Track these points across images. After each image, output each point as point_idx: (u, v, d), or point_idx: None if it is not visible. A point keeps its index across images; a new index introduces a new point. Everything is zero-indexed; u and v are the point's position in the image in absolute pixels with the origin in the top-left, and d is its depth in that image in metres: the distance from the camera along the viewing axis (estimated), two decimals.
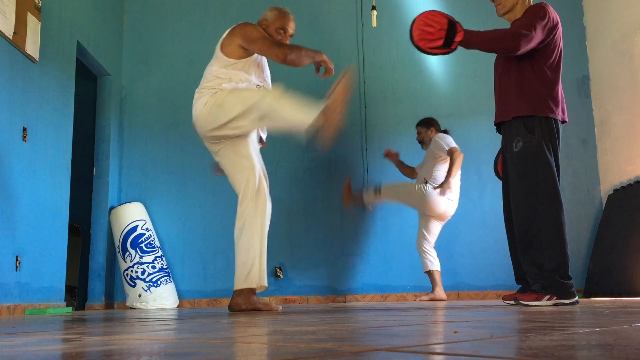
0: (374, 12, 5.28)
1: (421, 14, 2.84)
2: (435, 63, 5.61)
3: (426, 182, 4.63)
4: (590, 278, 5.04)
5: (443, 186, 4.51)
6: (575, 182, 5.42)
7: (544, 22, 2.85)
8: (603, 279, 4.87)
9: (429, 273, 4.69)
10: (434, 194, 4.57)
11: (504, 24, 3.21)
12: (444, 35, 2.77)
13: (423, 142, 4.86)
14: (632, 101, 5.13)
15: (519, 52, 2.83)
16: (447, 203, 4.61)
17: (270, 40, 3.01)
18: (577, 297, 2.81)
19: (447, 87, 5.59)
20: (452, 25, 2.79)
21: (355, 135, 5.45)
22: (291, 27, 3.21)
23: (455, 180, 4.67)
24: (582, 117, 5.59)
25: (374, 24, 5.27)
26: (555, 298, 2.74)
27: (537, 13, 2.87)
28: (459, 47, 2.85)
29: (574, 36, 5.66)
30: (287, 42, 3.17)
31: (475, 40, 2.82)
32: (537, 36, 2.82)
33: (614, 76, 5.38)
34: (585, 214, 5.42)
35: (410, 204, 4.74)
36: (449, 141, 4.64)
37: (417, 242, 4.75)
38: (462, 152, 4.63)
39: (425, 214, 4.67)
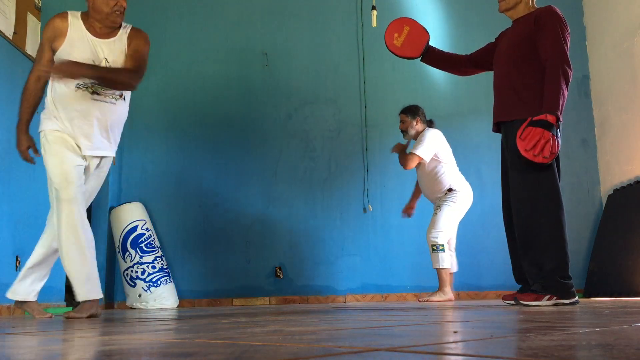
0: (374, 12, 5.28)
1: (526, 154, 2.74)
2: None
3: (450, 191, 4.45)
4: (590, 278, 5.04)
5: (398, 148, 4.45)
6: (575, 182, 5.42)
7: (567, 35, 2.87)
8: (603, 279, 4.88)
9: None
10: (458, 192, 4.44)
11: (505, 20, 3.20)
12: (542, 132, 2.71)
13: (406, 132, 4.62)
14: (632, 101, 5.13)
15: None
16: (467, 188, 4.52)
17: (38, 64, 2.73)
18: (577, 297, 2.81)
19: (447, 87, 5.59)
20: (538, 123, 2.73)
21: (355, 135, 5.46)
22: None
23: (451, 168, 4.53)
24: (582, 117, 5.59)
25: (374, 24, 5.27)
26: (555, 298, 2.74)
27: (561, 29, 2.85)
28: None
29: (574, 36, 5.63)
30: (123, 4, 2.71)
31: (556, 105, 2.75)
32: (567, 51, 2.85)
33: (614, 76, 5.38)
34: (585, 214, 5.42)
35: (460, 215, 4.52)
36: (424, 150, 4.43)
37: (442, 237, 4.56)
38: (426, 161, 4.47)
39: (445, 205, 4.44)
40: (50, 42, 2.70)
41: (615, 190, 5.25)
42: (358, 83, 5.53)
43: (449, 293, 4.39)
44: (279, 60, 5.55)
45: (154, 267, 4.75)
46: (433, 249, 4.37)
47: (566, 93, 2.80)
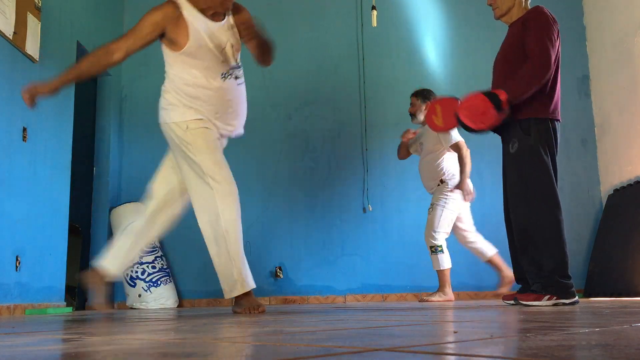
0: (374, 12, 5.28)
1: (460, 110, 2.84)
2: (435, 63, 5.61)
3: (442, 182, 4.37)
4: (590, 278, 5.04)
5: (462, 187, 4.28)
6: (575, 182, 5.42)
7: (553, 33, 2.87)
8: (603, 279, 4.88)
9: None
10: (451, 187, 4.35)
11: (501, 26, 3.21)
12: (490, 104, 2.77)
13: (414, 115, 4.56)
14: (632, 101, 5.13)
15: (548, 77, 2.85)
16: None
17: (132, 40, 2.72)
18: (577, 297, 2.81)
19: (447, 87, 5.58)
20: (488, 94, 2.80)
21: (355, 135, 5.45)
22: None
23: (454, 160, 4.43)
24: (582, 117, 5.59)
25: (374, 24, 5.27)
26: (555, 298, 2.74)
27: (544, 27, 2.86)
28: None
29: (574, 36, 5.65)
30: (229, 5, 2.72)
31: (516, 91, 2.80)
32: (553, 50, 2.85)
33: (614, 76, 5.38)
34: (585, 214, 5.42)
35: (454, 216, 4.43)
36: (455, 133, 4.34)
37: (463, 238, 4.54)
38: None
39: (439, 204, 4.37)
40: None
41: (615, 190, 5.25)
42: (358, 83, 5.53)
43: (449, 293, 4.38)
44: (279, 60, 5.53)
45: (154, 267, 4.75)
46: (432, 251, 4.36)
47: (533, 89, 2.82)
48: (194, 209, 2.79)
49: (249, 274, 2.72)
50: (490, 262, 4.53)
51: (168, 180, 2.92)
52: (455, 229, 4.53)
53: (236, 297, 2.72)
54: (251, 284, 2.71)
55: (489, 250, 4.51)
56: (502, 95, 2.77)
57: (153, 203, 2.90)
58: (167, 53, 2.76)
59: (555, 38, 2.89)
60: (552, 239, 2.79)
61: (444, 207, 4.38)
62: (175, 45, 2.69)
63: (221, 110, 2.77)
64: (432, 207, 4.43)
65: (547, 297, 2.74)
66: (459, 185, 4.34)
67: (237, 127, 2.90)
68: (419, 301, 4.60)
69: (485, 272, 5.17)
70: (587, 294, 4.99)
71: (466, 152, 4.35)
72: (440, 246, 4.35)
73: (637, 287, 4.47)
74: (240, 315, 2.52)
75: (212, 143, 2.76)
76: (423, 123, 4.49)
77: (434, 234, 4.35)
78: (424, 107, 4.49)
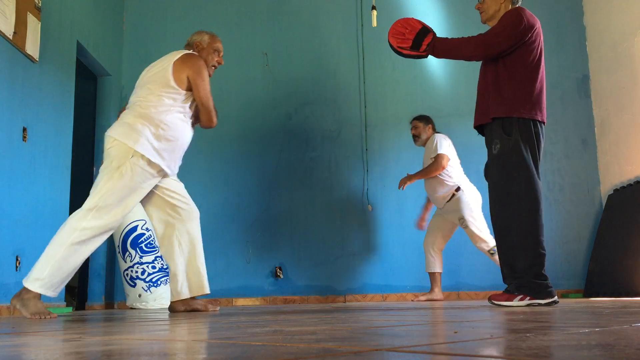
0: (374, 12, 5.28)
1: (402, 18, 3.04)
2: (435, 64, 5.61)
3: (458, 190, 4.51)
4: (590, 278, 5.04)
5: (408, 177, 4.56)
6: (575, 182, 5.42)
7: (513, 28, 2.87)
8: (603, 279, 4.88)
9: (433, 274, 4.68)
10: (464, 195, 4.49)
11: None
12: (413, 37, 2.93)
13: (418, 137, 4.74)
14: (632, 101, 5.13)
15: (481, 59, 2.98)
16: (472, 188, 4.58)
17: (211, 99, 3.08)
18: (555, 297, 2.79)
19: (447, 87, 5.59)
20: (423, 30, 2.95)
21: (355, 135, 5.45)
22: (222, 50, 3.36)
23: (456, 170, 4.61)
24: (582, 117, 5.59)
25: (374, 24, 5.27)
26: (528, 298, 2.74)
27: (507, 20, 2.90)
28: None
29: (574, 36, 5.65)
30: (222, 63, 3.34)
31: (441, 47, 2.95)
32: (504, 43, 2.87)
33: (614, 76, 5.38)
34: (585, 214, 5.42)
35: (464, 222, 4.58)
36: (445, 147, 4.56)
37: (429, 242, 4.69)
38: (450, 159, 4.57)
39: (465, 217, 4.49)
40: None
41: (615, 190, 5.25)
42: (358, 83, 5.53)
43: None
44: (279, 60, 5.55)
45: (154, 267, 4.75)
46: (491, 253, 4.49)
47: (458, 56, 2.98)
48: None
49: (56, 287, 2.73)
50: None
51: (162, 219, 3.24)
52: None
53: (24, 292, 2.70)
54: (49, 293, 2.72)
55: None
56: (427, 41, 2.92)
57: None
58: (174, 88, 3.02)
59: (516, 30, 2.87)
60: (525, 240, 2.79)
61: (471, 214, 4.49)
62: (184, 84, 3.04)
63: (178, 149, 3.02)
64: (462, 221, 4.52)
65: (519, 297, 2.74)
66: (409, 176, 4.58)
67: (176, 169, 3.12)
68: (418, 300, 4.60)
69: (485, 272, 5.17)
70: (587, 294, 4.99)
71: (437, 166, 4.50)
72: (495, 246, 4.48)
73: (637, 287, 4.47)
74: (239, 315, 2.52)
75: (134, 185, 2.85)
76: (424, 143, 4.74)
77: (485, 240, 4.47)
78: (427, 129, 4.74)
